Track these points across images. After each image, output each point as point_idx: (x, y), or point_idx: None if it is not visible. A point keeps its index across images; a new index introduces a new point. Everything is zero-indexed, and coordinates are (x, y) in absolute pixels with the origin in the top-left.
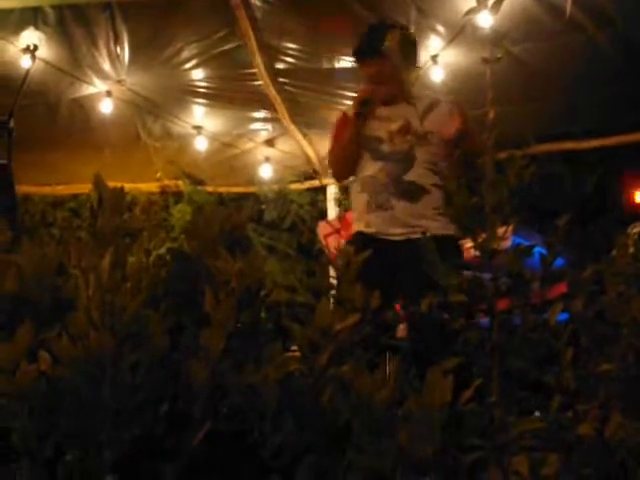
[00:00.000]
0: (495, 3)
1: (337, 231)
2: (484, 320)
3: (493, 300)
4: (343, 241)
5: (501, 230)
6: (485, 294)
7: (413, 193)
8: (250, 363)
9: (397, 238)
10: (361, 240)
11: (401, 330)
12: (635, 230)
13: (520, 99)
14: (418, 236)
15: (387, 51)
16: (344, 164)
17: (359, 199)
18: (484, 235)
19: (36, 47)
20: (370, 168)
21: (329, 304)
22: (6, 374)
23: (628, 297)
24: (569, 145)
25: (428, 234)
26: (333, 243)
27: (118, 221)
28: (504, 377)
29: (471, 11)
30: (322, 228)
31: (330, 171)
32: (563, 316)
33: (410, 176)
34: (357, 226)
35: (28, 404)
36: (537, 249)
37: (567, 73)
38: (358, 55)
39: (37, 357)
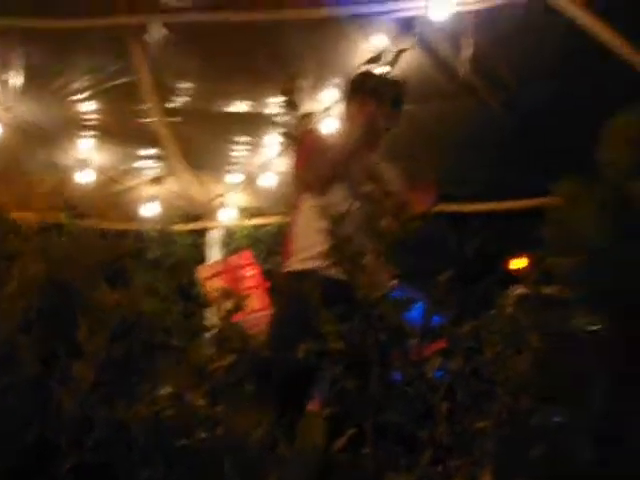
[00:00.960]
0: (394, 58)
1: (217, 274)
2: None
3: (372, 351)
4: (223, 284)
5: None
6: (364, 344)
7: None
8: (121, 397)
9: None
10: (312, 278)
11: None
12: (515, 292)
13: (410, 157)
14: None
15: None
16: (330, 179)
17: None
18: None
19: None
20: (344, 205)
21: (202, 345)
22: None
23: (504, 356)
24: (453, 207)
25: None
26: (213, 286)
27: None
28: (379, 430)
29: (372, 60)
30: (202, 271)
31: (310, 182)
32: (439, 373)
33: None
34: (307, 258)
35: None
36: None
37: (457, 135)
38: (383, 95)
39: None
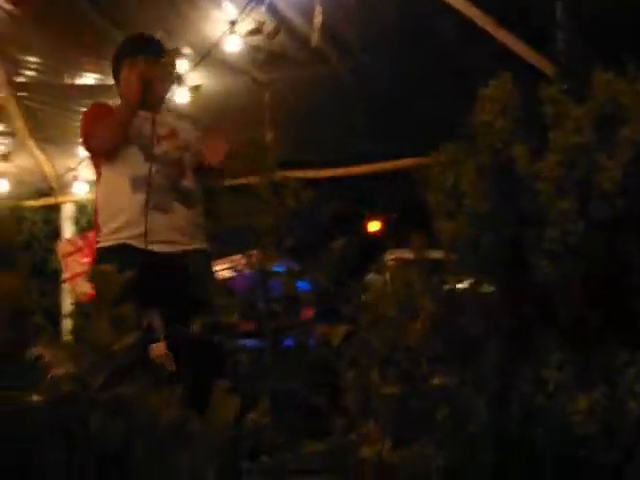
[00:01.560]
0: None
1: (79, 250)
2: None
3: (266, 322)
4: (86, 260)
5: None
6: (257, 315)
7: (190, 200)
8: (16, 385)
9: (167, 249)
10: (127, 253)
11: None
12: (391, 257)
13: (265, 126)
14: (187, 248)
15: (168, 56)
16: (113, 139)
17: (129, 200)
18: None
19: None
20: (143, 168)
21: (107, 324)
22: None
23: (400, 321)
24: (310, 174)
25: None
26: (73, 263)
27: None
28: (277, 399)
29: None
30: (62, 247)
31: (87, 144)
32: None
33: (186, 183)
34: (116, 230)
35: None
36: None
37: (310, 102)
38: (134, 51)
39: None
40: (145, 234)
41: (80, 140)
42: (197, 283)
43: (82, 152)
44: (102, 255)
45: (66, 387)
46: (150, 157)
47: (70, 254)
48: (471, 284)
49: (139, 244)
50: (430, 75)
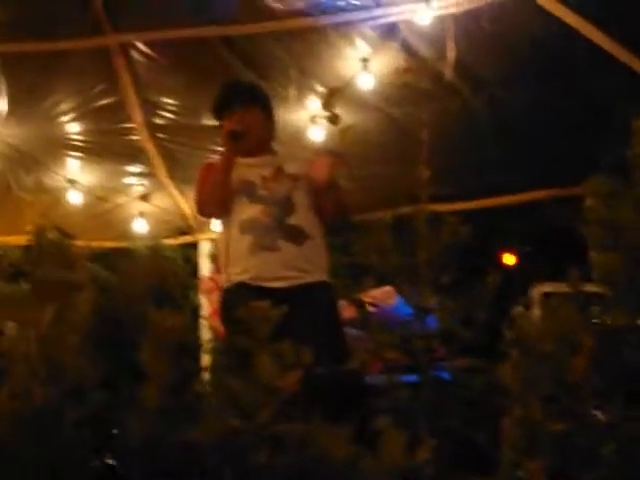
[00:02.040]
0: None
1: (220, 287)
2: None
3: (423, 357)
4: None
5: (388, 289)
6: (415, 351)
7: (297, 236)
8: (186, 420)
9: (282, 284)
10: (244, 292)
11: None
12: (538, 291)
13: (397, 161)
14: (307, 281)
15: (254, 104)
16: (218, 199)
17: (238, 243)
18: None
19: None
20: (248, 211)
21: (269, 360)
22: None
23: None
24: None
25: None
26: (216, 299)
27: (60, 274)
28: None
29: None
30: (205, 284)
31: (199, 211)
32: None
33: (293, 220)
34: (234, 274)
35: None
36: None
37: (442, 136)
38: (223, 108)
39: None
40: (256, 273)
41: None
42: (319, 315)
43: None
44: (226, 297)
45: (232, 423)
46: (255, 200)
47: (213, 291)
48: (630, 318)
49: (256, 283)
50: (564, 107)
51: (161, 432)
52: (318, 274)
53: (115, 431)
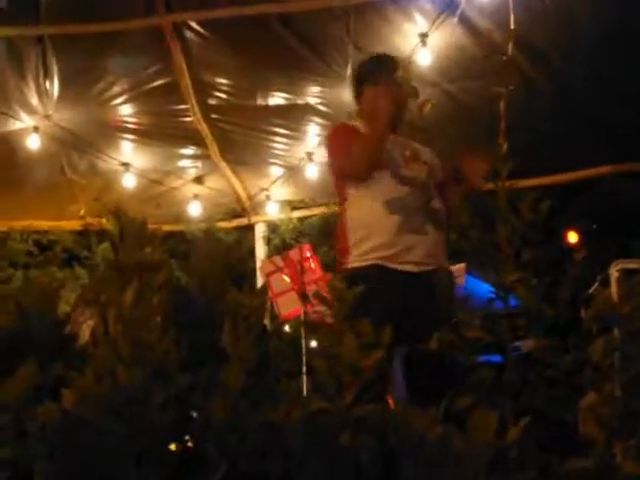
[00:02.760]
0: None
1: (280, 269)
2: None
3: (507, 337)
4: (287, 279)
5: (459, 267)
6: (500, 331)
7: (440, 222)
8: (268, 401)
9: (423, 269)
10: (379, 274)
11: None
12: (617, 268)
13: (457, 138)
14: (438, 268)
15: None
16: (372, 162)
17: (385, 221)
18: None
19: None
20: (394, 190)
21: (354, 341)
22: (11, 413)
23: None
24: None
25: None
26: (275, 281)
27: (140, 254)
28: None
29: None
30: (265, 266)
31: (349, 169)
32: (496, 358)
33: (435, 205)
34: (367, 252)
35: (49, 444)
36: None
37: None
38: (390, 70)
39: (57, 395)
40: (400, 254)
41: (330, 162)
42: (443, 302)
43: (274, 172)
44: (354, 275)
45: (316, 404)
46: (403, 181)
47: (272, 273)
48: None
49: (391, 264)
50: (626, 80)
51: (243, 414)
52: (445, 261)
53: (195, 413)
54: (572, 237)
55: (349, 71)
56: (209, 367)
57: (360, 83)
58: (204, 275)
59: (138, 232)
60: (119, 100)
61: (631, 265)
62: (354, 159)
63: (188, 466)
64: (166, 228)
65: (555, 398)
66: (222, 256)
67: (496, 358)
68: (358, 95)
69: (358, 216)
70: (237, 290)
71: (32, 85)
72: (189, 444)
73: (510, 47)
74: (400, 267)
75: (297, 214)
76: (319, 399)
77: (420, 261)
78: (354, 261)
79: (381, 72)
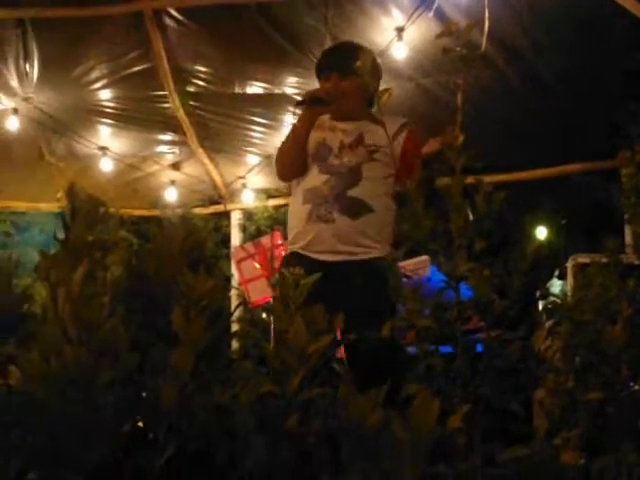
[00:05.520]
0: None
1: (251, 256)
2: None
3: (457, 325)
4: (258, 266)
5: (423, 259)
6: (449, 319)
7: (355, 209)
8: (218, 384)
9: (333, 258)
10: (297, 261)
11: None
12: (573, 262)
13: (430, 131)
14: (361, 258)
15: (359, 68)
16: (288, 162)
17: (300, 211)
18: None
19: None
20: (313, 180)
21: (303, 326)
22: None
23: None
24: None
25: (371, 257)
26: (246, 268)
27: (92, 233)
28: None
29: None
30: (236, 253)
31: (277, 173)
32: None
33: (354, 192)
34: (292, 242)
35: None
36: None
37: (476, 107)
38: (326, 68)
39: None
40: (311, 244)
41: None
42: (361, 293)
43: (251, 160)
44: (282, 262)
45: (264, 387)
46: (324, 169)
47: (244, 260)
48: None
49: (307, 253)
50: (597, 77)
51: (192, 396)
52: (376, 250)
53: (145, 394)
54: (540, 233)
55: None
56: (159, 349)
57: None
58: (160, 257)
59: (90, 211)
60: (98, 84)
61: (585, 259)
62: (276, 161)
63: (136, 446)
64: (142, 213)
65: (502, 388)
66: (181, 239)
67: (447, 349)
68: None
69: (290, 206)
70: (192, 274)
71: (12, 67)
72: (139, 424)
73: (484, 42)
74: (315, 256)
75: (273, 202)
76: (267, 383)
77: (332, 250)
78: (287, 249)
79: (322, 71)
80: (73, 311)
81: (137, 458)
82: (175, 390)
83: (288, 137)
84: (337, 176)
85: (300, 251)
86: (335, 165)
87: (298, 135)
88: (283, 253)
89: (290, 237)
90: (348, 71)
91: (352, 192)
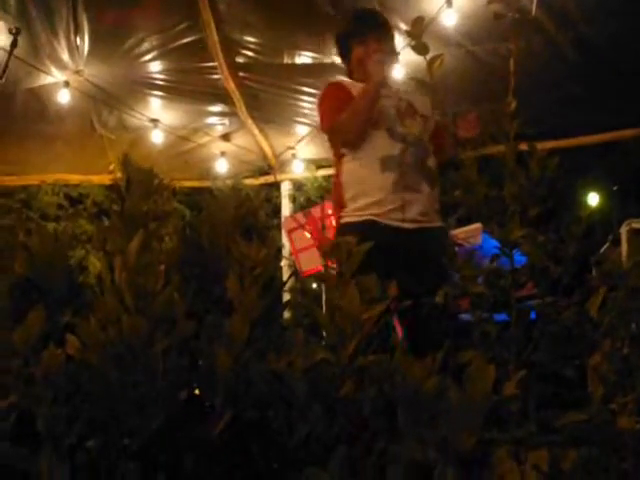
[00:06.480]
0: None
1: (302, 226)
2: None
3: (512, 292)
4: (308, 236)
5: (475, 227)
6: (504, 286)
7: (433, 179)
8: (273, 351)
9: (416, 226)
10: (373, 229)
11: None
12: (628, 227)
13: (482, 98)
14: (431, 225)
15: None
16: (362, 127)
17: (378, 180)
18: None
19: None
20: (389, 148)
21: (357, 294)
22: (21, 358)
23: None
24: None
25: (440, 225)
26: (297, 238)
27: (147, 204)
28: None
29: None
30: (287, 223)
31: (336, 137)
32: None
33: (431, 162)
34: (361, 208)
35: (54, 389)
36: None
37: (526, 74)
38: (386, 29)
39: (63, 341)
40: (394, 212)
41: (322, 128)
42: (437, 259)
43: (300, 131)
44: (347, 229)
45: (319, 355)
46: (398, 138)
47: (294, 230)
48: None
49: (385, 221)
50: None
51: (247, 363)
52: (439, 219)
53: (201, 362)
54: (592, 198)
55: None
56: (215, 317)
57: (346, 39)
58: (213, 226)
59: (145, 182)
60: (148, 57)
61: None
62: (344, 127)
63: (192, 414)
64: (192, 184)
65: (556, 355)
66: (233, 208)
67: (501, 316)
68: (345, 52)
69: (353, 172)
70: (245, 242)
71: (63, 41)
72: (195, 392)
73: (534, 8)
74: (394, 224)
75: (322, 172)
76: (322, 350)
77: (414, 218)
78: (349, 215)
79: (368, 28)
80: (130, 280)
81: (194, 425)
82: (231, 357)
83: (361, 100)
84: (414, 145)
85: (376, 218)
86: (405, 134)
87: (376, 96)
88: (342, 220)
89: (363, 203)
90: (387, 32)
91: (430, 162)
